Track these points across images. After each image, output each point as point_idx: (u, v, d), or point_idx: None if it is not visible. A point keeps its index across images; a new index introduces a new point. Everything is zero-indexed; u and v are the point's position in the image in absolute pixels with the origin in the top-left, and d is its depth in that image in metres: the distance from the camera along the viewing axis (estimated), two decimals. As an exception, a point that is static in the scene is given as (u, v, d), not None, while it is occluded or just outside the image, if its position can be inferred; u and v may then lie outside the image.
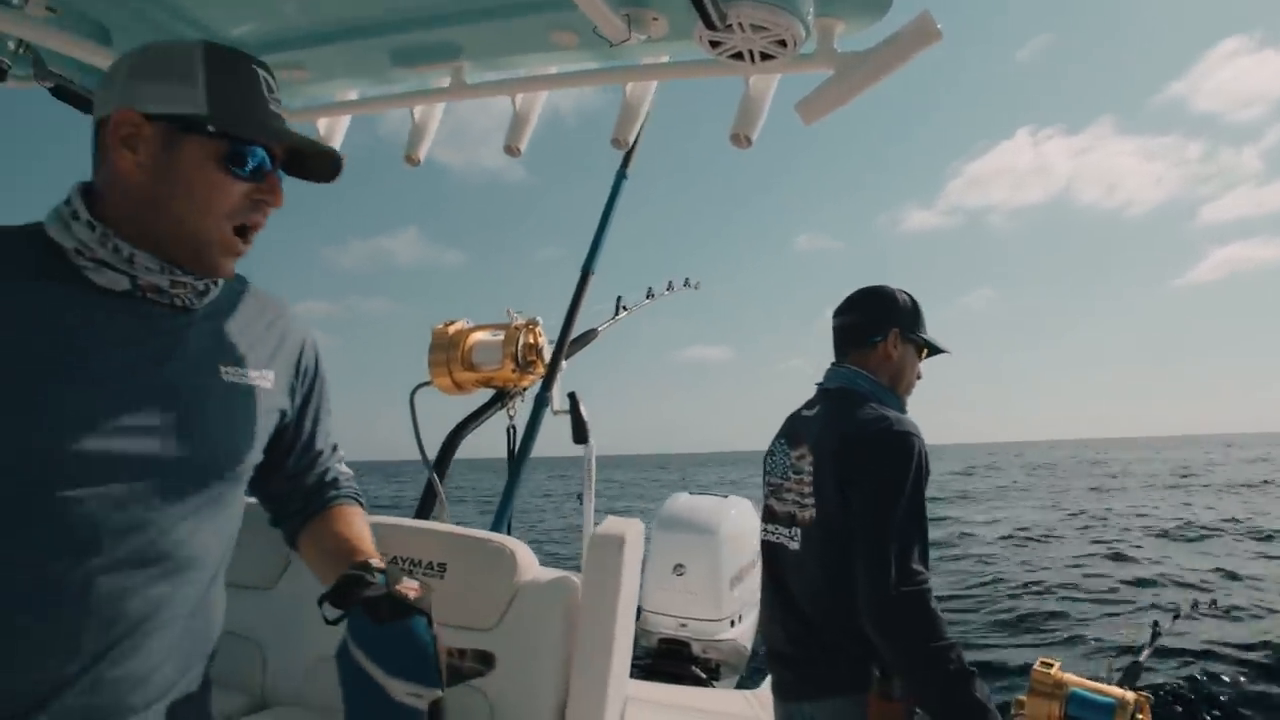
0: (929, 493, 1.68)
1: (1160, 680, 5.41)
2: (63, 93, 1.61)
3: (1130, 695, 1.78)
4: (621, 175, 2.56)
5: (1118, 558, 11.44)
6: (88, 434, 0.86)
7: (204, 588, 1.00)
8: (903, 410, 1.83)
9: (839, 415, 1.77)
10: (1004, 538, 14.37)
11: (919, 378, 1.93)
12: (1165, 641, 2.16)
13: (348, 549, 1.09)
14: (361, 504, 1.25)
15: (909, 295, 1.92)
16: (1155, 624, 2.12)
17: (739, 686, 3.56)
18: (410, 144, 1.88)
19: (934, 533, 1.73)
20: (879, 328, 1.86)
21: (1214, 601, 2.29)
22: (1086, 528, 15.74)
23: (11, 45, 1.55)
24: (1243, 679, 5.68)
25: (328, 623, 0.94)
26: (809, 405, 1.91)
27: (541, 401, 2.09)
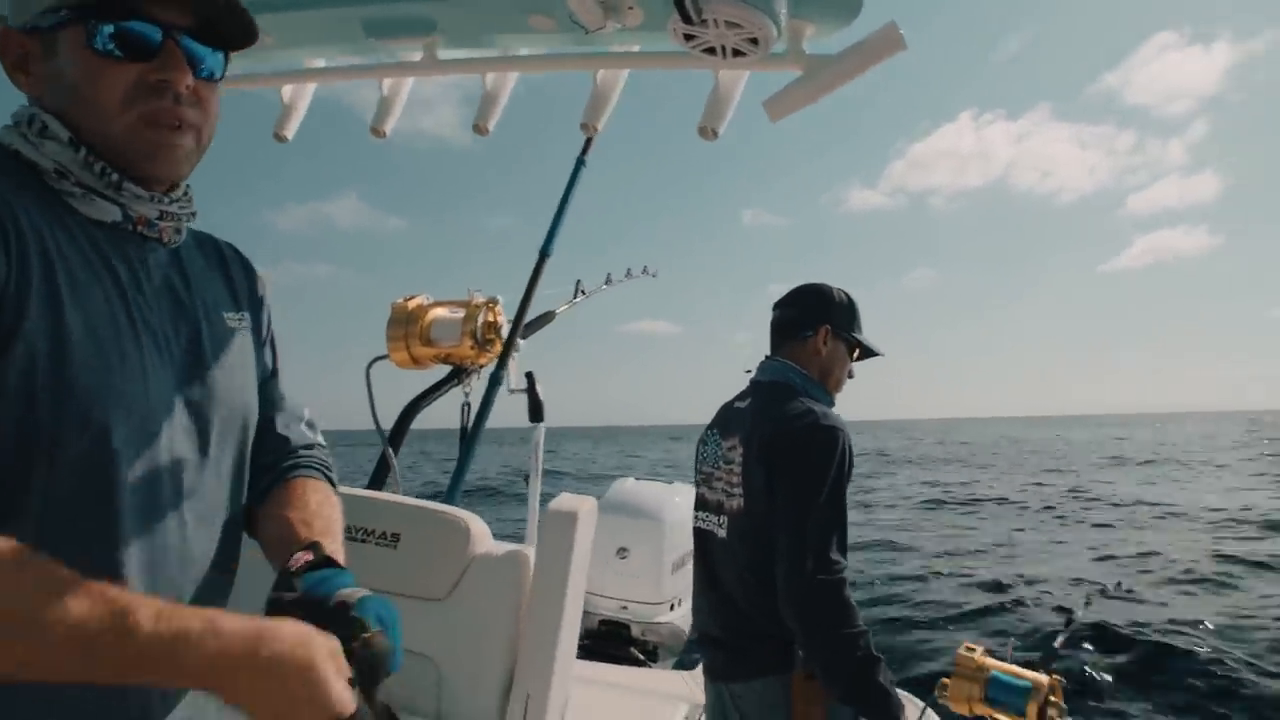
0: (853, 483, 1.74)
1: (1074, 664, 5.70)
2: None
3: (1045, 678, 1.89)
4: (580, 162, 2.57)
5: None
6: (136, 407, 0.81)
7: (231, 542, 0.96)
8: (831, 405, 1.87)
9: (769, 408, 1.81)
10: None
11: (850, 376, 1.97)
12: (1080, 626, 2.30)
13: (290, 537, 0.93)
14: (329, 479, 1.09)
15: (847, 295, 1.96)
16: (1069, 610, 2.24)
17: (676, 668, 3.64)
18: (377, 116, 1.87)
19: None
20: (811, 323, 1.90)
21: (1120, 584, 2.44)
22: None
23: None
24: (1149, 658, 6.02)
25: None
26: (741, 397, 1.95)
27: (497, 379, 2.10)
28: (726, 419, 1.94)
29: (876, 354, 2.01)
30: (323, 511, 0.99)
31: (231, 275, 1.04)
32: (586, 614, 3.90)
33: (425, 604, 1.64)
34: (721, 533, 1.84)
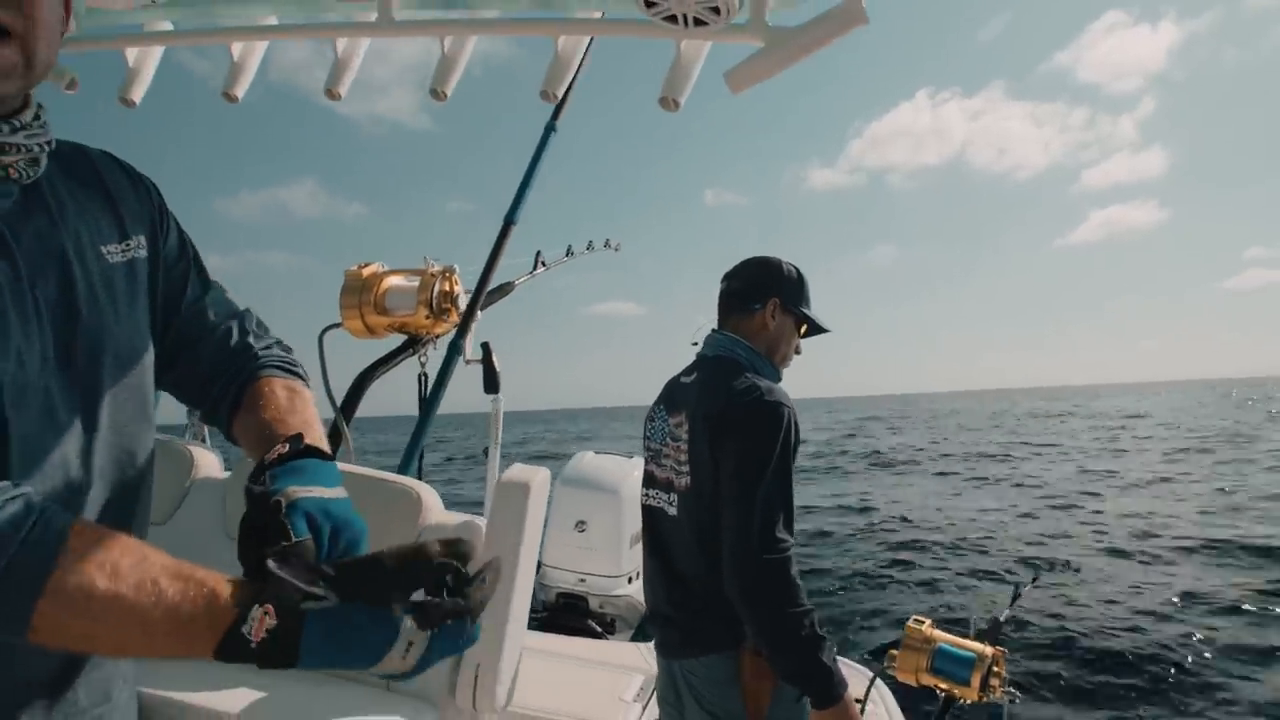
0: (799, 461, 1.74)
1: (1021, 635, 5.90)
2: None
3: (989, 649, 1.94)
4: (550, 128, 2.52)
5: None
6: (8, 393, 0.74)
7: (142, 508, 0.91)
8: (777, 380, 1.85)
9: (714, 384, 1.78)
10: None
11: (798, 352, 1.96)
12: (1026, 601, 2.36)
13: (270, 436, 0.89)
14: (298, 374, 1.04)
15: (795, 268, 1.93)
16: (1016, 585, 2.30)
17: (634, 639, 3.67)
18: (332, 77, 1.82)
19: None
20: (760, 295, 1.88)
21: (1068, 563, 2.50)
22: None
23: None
24: (1090, 633, 6.25)
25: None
26: (687, 372, 1.92)
27: (455, 349, 2.07)
28: (672, 394, 1.91)
29: (824, 330, 1.98)
30: (295, 405, 0.96)
31: (113, 195, 0.92)
32: (545, 586, 3.91)
33: None
34: (672, 510, 1.82)
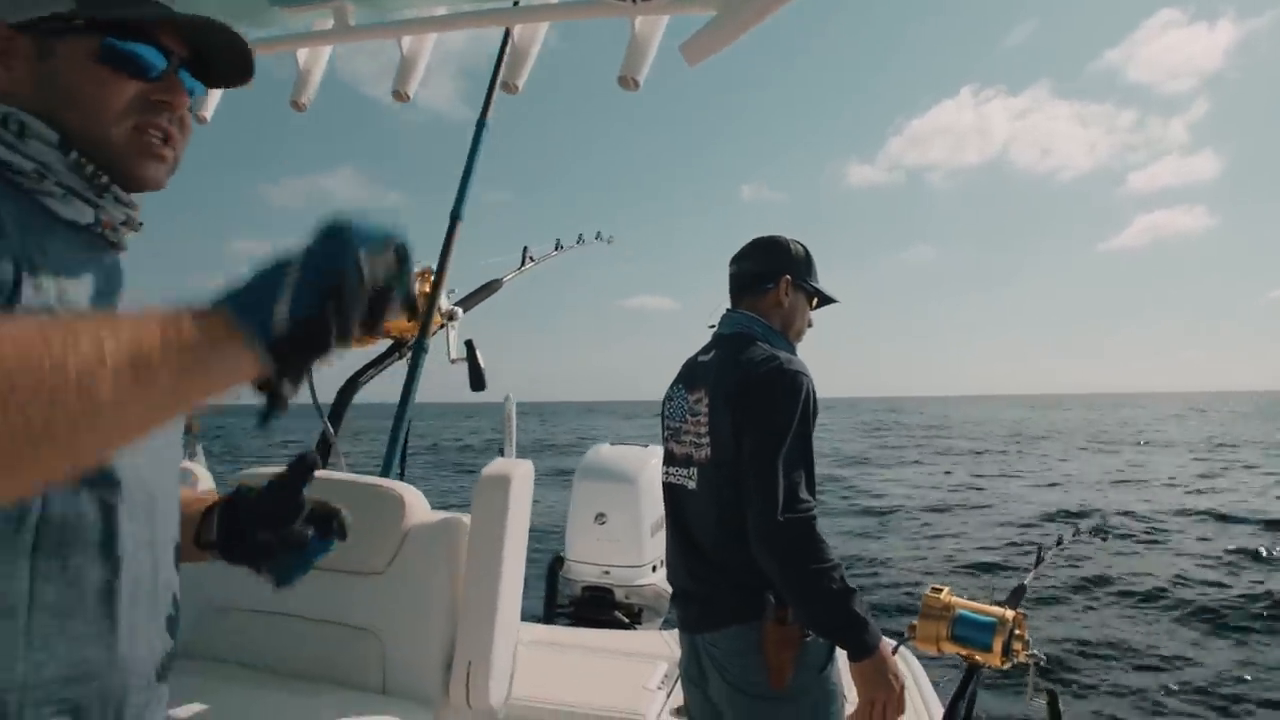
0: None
1: (1045, 598, 5.82)
2: None
3: (1010, 613, 1.90)
4: (481, 124, 2.44)
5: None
6: (129, 465, 0.80)
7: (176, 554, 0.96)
8: (793, 354, 1.88)
9: (733, 357, 1.82)
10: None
11: (810, 325, 1.99)
12: (1052, 562, 2.31)
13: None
14: None
15: (802, 245, 1.98)
16: (1040, 549, 2.25)
17: (662, 628, 3.66)
18: (295, 89, 1.81)
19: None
20: (771, 275, 1.92)
21: (1095, 529, 2.45)
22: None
23: None
24: (1114, 599, 6.15)
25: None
26: (705, 350, 1.96)
27: (422, 347, 2.06)
28: (692, 372, 1.96)
29: (834, 301, 2.03)
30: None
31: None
32: (570, 581, 3.91)
33: (366, 578, 1.62)
34: (692, 484, 1.85)
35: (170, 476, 0.92)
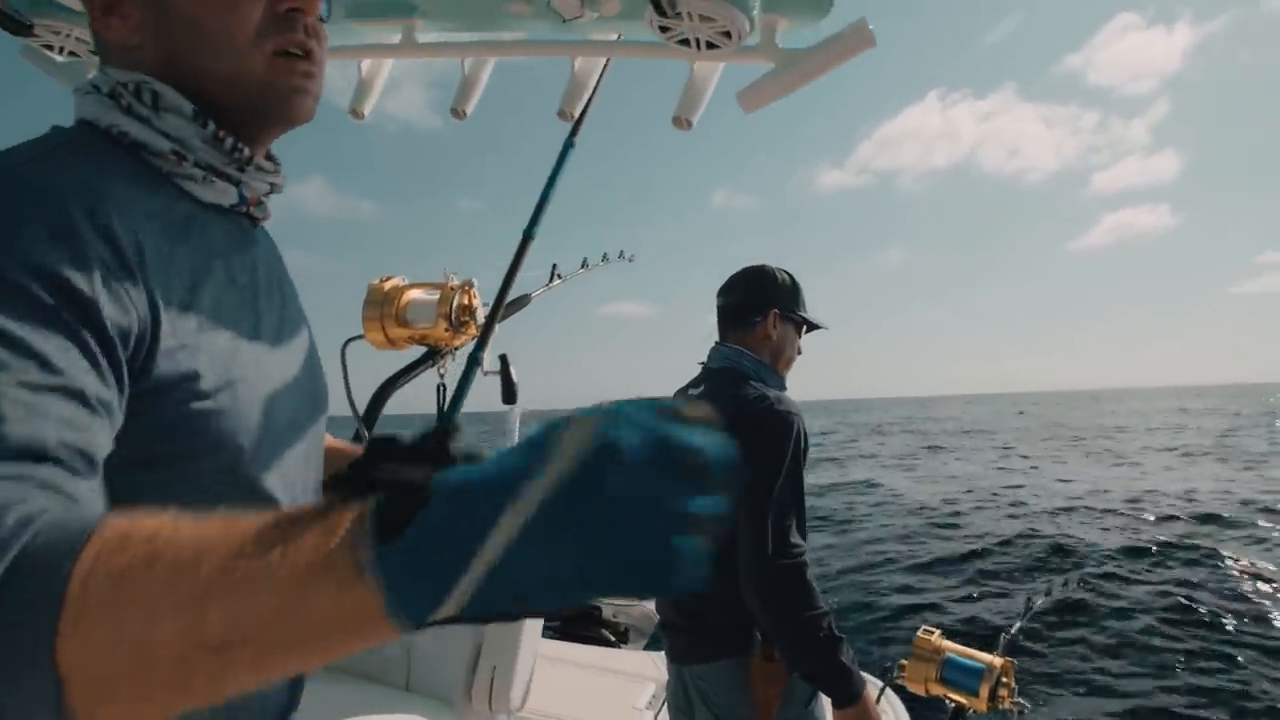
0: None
1: (1034, 647, 5.85)
2: None
3: (997, 660, 1.96)
4: (569, 144, 2.56)
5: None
6: (270, 412, 0.73)
7: None
8: (783, 388, 1.91)
9: (722, 394, 1.82)
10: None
11: (799, 353, 2.01)
12: (1040, 611, 2.37)
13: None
14: None
15: (789, 274, 1.99)
16: (1029, 598, 2.31)
17: (647, 649, 3.69)
18: (356, 97, 1.88)
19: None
20: (758, 309, 1.93)
21: (1082, 580, 2.51)
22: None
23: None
24: (1101, 646, 6.20)
25: None
26: (694, 384, 1.97)
27: (474, 361, 2.12)
28: None
29: (822, 328, 2.04)
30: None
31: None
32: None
33: None
34: None
35: (317, 473, 0.87)
